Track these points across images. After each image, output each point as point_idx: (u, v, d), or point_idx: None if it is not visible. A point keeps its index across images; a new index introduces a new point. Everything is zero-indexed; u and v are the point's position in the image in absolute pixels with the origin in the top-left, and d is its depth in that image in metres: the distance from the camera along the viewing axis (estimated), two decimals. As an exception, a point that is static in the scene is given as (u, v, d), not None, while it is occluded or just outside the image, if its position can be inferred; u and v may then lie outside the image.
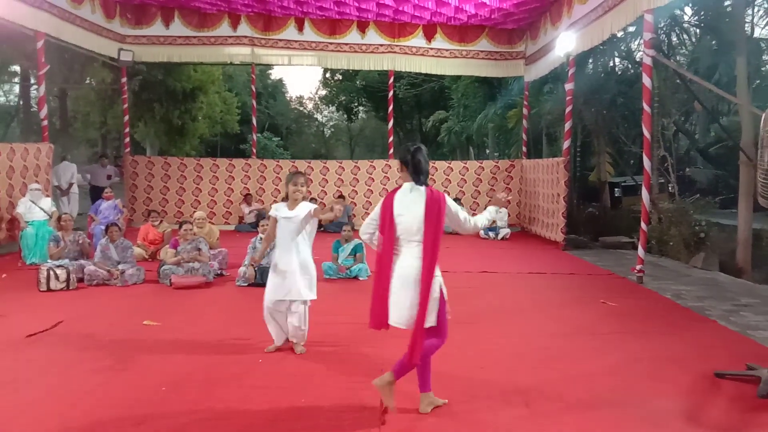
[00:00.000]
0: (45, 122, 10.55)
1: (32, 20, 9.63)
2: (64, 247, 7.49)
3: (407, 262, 3.54)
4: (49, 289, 6.74)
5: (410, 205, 3.54)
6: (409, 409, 3.62)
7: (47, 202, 9.12)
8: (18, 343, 4.81)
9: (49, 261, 7.26)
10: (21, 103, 25.54)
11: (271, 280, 4.64)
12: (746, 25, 14.56)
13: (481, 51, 13.73)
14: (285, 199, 4.80)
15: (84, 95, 22.67)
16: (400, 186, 3.66)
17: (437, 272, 3.52)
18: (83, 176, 12.84)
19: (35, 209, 8.83)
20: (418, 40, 13.54)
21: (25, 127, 24.43)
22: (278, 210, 4.74)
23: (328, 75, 39.98)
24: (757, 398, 3.88)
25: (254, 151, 14.49)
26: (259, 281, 7.12)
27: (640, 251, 7.99)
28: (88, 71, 20.75)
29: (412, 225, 3.52)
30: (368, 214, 3.79)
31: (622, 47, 16.71)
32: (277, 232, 4.71)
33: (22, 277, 7.47)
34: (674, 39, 16.63)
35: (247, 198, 13.48)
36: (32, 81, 22.55)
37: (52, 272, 6.79)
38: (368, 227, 3.80)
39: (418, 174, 3.54)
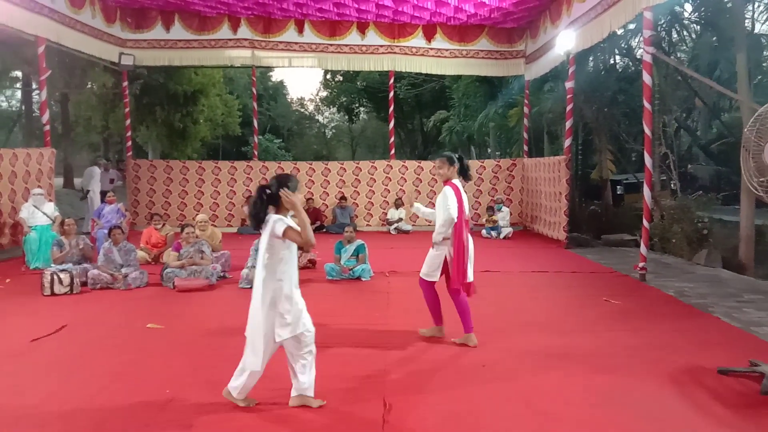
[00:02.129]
0: (47, 127, 10.58)
1: (33, 26, 9.67)
2: (68, 252, 7.52)
3: (468, 235, 4.96)
4: (52, 294, 6.75)
5: (466, 195, 4.95)
6: (413, 409, 3.63)
7: (50, 207, 9.15)
8: (22, 348, 4.83)
9: (52, 265, 7.29)
10: (23, 108, 25.62)
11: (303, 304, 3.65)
12: (746, 20, 14.57)
13: (481, 50, 13.74)
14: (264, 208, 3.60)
15: (85, 100, 22.70)
16: (447, 180, 4.93)
17: None
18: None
19: (38, 214, 8.86)
20: (417, 41, 13.55)
21: (28, 132, 24.50)
22: (287, 221, 3.55)
23: (328, 76, 39.94)
24: (760, 395, 3.88)
25: (256, 153, 14.50)
26: (261, 283, 7.14)
27: (643, 249, 7.99)
28: (90, 76, 20.80)
29: (468, 210, 4.95)
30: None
31: (622, 45, 16.72)
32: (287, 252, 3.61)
33: (26, 282, 7.50)
34: (674, 36, 16.64)
35: (249, 200, 13.50)
36: (34, 86, 22.63)
37: (55, 276, 6.82)
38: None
39: (467, 172, 5.02)
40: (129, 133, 14.30)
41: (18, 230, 9.10)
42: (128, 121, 14.21)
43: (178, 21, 13.12)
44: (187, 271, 7.30)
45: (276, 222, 3.47)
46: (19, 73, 23.70)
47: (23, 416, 3.52)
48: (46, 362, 4.51)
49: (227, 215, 13.73)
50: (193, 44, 13.25)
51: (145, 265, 8.23)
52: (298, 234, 3.46)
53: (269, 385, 4.02)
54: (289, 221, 3.53)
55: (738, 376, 4.19)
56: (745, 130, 4.18)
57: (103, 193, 11.14)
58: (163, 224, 9.58)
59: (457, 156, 4.99)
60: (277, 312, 3.52)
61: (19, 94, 27.24)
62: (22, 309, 6.21)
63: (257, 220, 3.56)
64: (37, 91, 21.14)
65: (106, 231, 8.25)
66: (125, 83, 13.96)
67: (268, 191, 3.56)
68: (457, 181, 4.91)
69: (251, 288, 7.25)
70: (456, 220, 4.79)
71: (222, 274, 7.86)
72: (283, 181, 3.57)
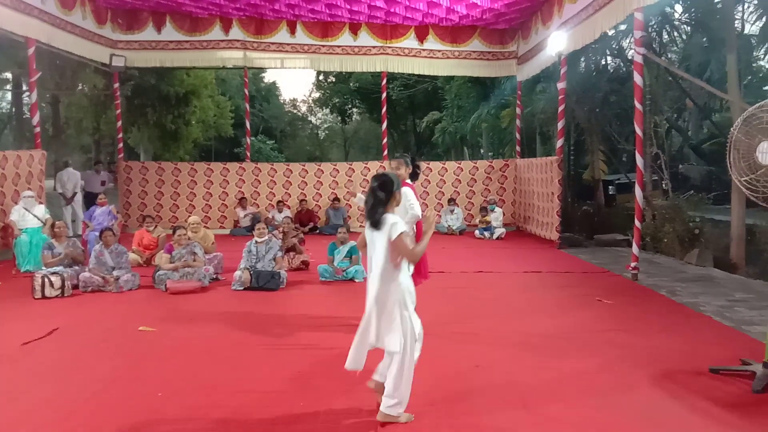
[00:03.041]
0: (37, 129, 10.49)
1: (23, 27, 9.59)
2: (59, 255, 7.46)
3: None
4: (43, 297, 6.70)
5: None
6: (408, 412, 3.62)
7: (41, 210, 9.08)
8: (13, 351, 4.79)
9: (43, 268, 7.23)
10: (13, 110, 25.45)
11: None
12: (736, 21, 14.65)
13: (474, 51, 13.76)
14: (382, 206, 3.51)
15: (76, 101, 22.57)
16: (402, 181, 4.90)
17: None
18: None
19: (29, 216, 8.79)
20: (410, 42, 13.56)
21: (18, 134, 24.33)
22: (404, 227, 3.52)
23: (321, 77, 39.93)
24: (751, 393, 3.91)
25: (248, 154, 14.47)
26: (254, 285, 7.13)
27: (635, 248, 8.02)
28: (80, 77, 20.67)
29: None
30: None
31: (614, 45, 16.77)
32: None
33: (17, 285, 7.44)
34: (665, 36, 16.69)
35: (242, 202, 13.47)
36: (24, 88, 22.47)
37: (46, 279, 6.76)
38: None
39: (418, 174, 5.35)
40: (120, 135, 14.24)
41: (8, 233, 9.01)
42: (119, 123, 14.15)
43: (169, 22, 13.06)
44: (179, 273, 7.26)
45: (393, 225, 3.39)
46: (9, 75, 23.52)
47: (17, 421, 3.49)
48: (38, 366, 4.46)
49: (220, 217, 13.68)
50: (185, 45, 13.19)
51: (136, 268, 8.18)
52: (407, 245, 3.38)
53: (265, 388, 4.01)
54: (406, 227, 3.49)
55: (730, 375, 4.21)
56: (733, 129, 4.20)
57: (95, 195, 11.04)
58: (155, 226, 9.54)
59: (410, 158, 5.36)
60: (401, 314, 3.44)
61: (9, 95, 27.03)
62: (12, 312, 6.15)
63: (377, 222, 3.47)
64: (27, 93, 20.98)
65: (97, 233, 8.20)
66: (116, 85, 13.88)
67: (382, 192, 3.48)
68: (409, 182, 5.26)
69: (244, 290, 7.30)
70: (420, 218, 5.11)
71: (215, 276, 7.83)
72: (389, 182, 3.53)
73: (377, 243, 3.47)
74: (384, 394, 3.47)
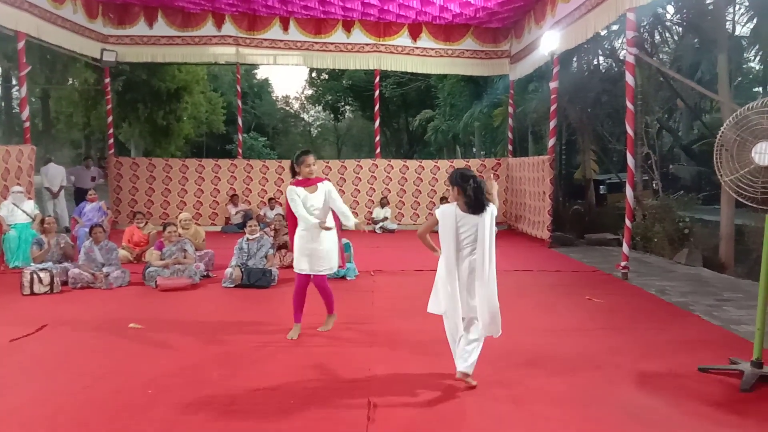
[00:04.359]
0: (27, 124, 10.38)
1: (13, 20, 9.48)
2: (48, 250, 7.41)
3: None
4: (32, 293, 6.65)
5: None
6: (398, 408, 3.63)
7: (30, 205, 9.00)
8: (1, 348, 4.75)
9: (32, 264, 7.17)
10: (2, 104, 25.22)
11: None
12: (727, 23, 14.76)
13: (467, 50, 13.77)
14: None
15: (67, 96, 22.39)
16: (318, 178, 5.15)
17: None
18: (67, 178, 12.67)
19: (17, 212, 8.71)
20: (403, 40, 13.54)
21: (7, 128, 24.11)
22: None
23: (314, 74, 39.80)
24: (739, 392, 3.94)
25: (240, 151, 14.42)
26: (245, 282, 7.10)
27: (625, 248, 8.07)
28: (71, 72, 20.52)
29: None
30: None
31: (606, 45, 16.85)
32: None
33: (5, 281, 7.38)
34: (657, 37, 16.79)
35: (233, 199, 13.42)
36: (14, 82, 22.29)
37: (35, 275, 6.71)
38: None
39: None
40: (111, 131, 14.11)
41: (-3, 228, 8.93)
42: (110, 118, 14.02)
43: (161, 17, 12.97)
44: (169, 270, 7.22)
45: (491, 208, 4.02)
46: (-2, 69, 23.32)
47: (5, 417, 3.47)
48: (27, 362, 4.44)
49: (211, 214, 13.62)
50: (177, 41, 13.10)
51: (127, 264, 8.14)
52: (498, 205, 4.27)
53: (255, 385, 4.00)
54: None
55: (718, 374, 4.25)
56: (723, 129, 4.21)
57: (85, 191, 10.96)
58: (146, 223, 9.49)
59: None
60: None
61: (-2, 90, 26.79)
62: (0, 309, 6.10)
63: (484, 207, 3.99)
64: (17, 87, 20.80)
65: (87, 229, 8.15)
66: (107, 80, 13.76)
67: (479, 181, 4.00)
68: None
69: (235, 287, 7.27)
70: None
71: (205, 273, 7.80)
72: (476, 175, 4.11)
73: (482, 225, 3.99)
74: (467, 356, 3.97)
